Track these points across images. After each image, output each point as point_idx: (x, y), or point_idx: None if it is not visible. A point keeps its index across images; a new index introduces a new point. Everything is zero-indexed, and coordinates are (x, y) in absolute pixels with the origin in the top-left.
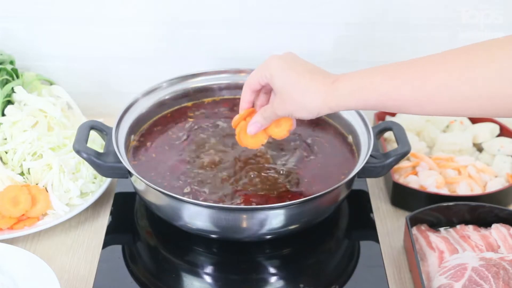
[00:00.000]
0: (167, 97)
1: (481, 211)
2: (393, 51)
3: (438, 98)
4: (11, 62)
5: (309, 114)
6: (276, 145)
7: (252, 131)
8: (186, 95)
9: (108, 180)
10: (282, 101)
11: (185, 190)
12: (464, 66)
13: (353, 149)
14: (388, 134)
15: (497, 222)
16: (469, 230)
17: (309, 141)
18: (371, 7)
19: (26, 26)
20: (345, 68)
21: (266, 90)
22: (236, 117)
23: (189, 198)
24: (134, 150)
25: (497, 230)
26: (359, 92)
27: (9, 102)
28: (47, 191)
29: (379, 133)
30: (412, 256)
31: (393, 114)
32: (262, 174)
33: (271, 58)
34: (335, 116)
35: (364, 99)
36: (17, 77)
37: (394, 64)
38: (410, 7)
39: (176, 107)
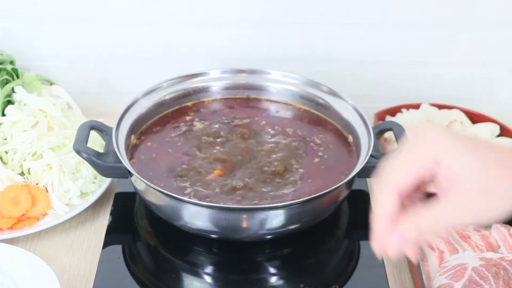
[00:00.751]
0: (167, 97)
1: None
2: (394, 51)
3: None
4: (11, 62)
5: (496, 218)
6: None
7: (393, 248)
8: (186, 95)
9: (108, 180)
10: (462, 202)
11: (186, 191)
12: None
13: (353, 149)
14: (388, 134)
15: (497, 222)
16: (469, 230)
17: (309, 141)
18: (371, 7)
19: (26, 26)
20: (345, 68)
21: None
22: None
23: (189, 198)
24: (134, 150)
25: (497, 230)
26: None
27: (9, 102)
28: (47, 191)
29: (379, 133)
30: None
31: (393, 115)
32: (262, 173)
33: (428, 129)
34: (335, 116)
35: None
36: (17, 77)
37: None
38: (410, 7)
39: (176, 107)
